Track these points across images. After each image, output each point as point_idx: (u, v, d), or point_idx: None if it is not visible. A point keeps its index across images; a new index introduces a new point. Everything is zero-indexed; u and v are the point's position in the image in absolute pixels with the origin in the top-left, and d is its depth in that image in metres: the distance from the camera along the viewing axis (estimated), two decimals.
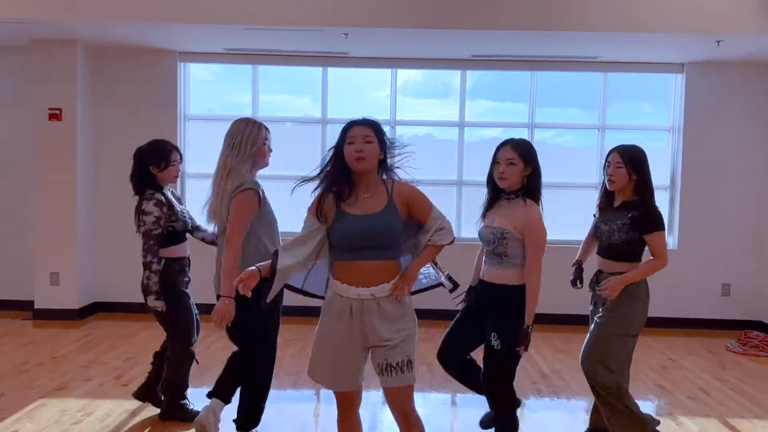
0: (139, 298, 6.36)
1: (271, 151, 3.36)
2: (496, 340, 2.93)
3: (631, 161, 3.16)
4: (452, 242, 2.58)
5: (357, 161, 2.45)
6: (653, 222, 3.12)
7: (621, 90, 6.61)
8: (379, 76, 6.70)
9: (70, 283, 6.20)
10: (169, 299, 3.53)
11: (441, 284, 2.84)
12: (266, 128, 3.35)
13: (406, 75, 6.68)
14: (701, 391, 4.50)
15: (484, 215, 3.10)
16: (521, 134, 6.60)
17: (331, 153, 2.54)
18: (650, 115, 6.74)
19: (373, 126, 2.53)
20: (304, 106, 6.77)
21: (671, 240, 6.58)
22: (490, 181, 3.06)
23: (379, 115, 6.52)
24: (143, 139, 6.40)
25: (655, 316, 6.44)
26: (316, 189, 2.53)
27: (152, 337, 5.59)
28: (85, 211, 6.33)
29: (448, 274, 2.84)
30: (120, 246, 6.49)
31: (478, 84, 6.70)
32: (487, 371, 3.03)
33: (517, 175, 2.92)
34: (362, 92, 6.78)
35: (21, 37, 5.98)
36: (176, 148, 3.71)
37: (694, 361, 5.31)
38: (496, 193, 3.05)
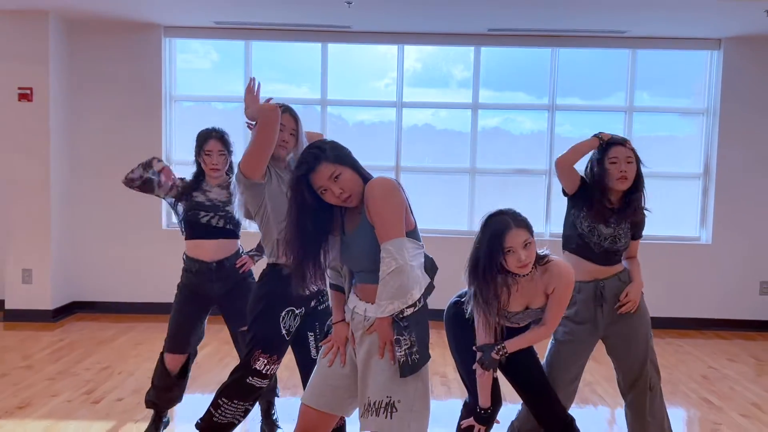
0: (122, 297, 5.97)
1: (289, 144, 2.70)
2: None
3: (637, 157, 2.73)
4: (405, 311, 1.92)
5: (347, 202, 2.01)
6: (643, 227, 2.86)
7: (648, 69, 6.01)
8: (381, 63, 6.10)
9: (44, 281, 5.62)
10: (176, 295, 3.24)
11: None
12: (289, 114, 2.69)
13: (405, 63, 6.07)
14: (755, 407, 3.95)
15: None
16: (540, 118, 6.04)
17: (293, 214, 2.05)
18: (681, 97, 6.13)
19: (329, 158, 2.00)
20: (303, 95, 6.12)
21: (704, 234, 6.02)
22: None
23: (383, 96, 6.13)
24: (123, 121, 5.98)
25: (689, 317, 5.98)
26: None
27: (132, 342, 5.04)
28: (60, 201, 5.73)
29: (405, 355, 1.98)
30: (100, 240, 5.95)
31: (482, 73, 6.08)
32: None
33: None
34: (364, 79, 6.16)
35: None
36: (218, 136, 3.13)
37: (738, 369, 4.76)
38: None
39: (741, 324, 5.88)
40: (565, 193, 2.83)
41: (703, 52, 5.92)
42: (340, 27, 5.72)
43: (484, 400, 2.45)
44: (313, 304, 2.75)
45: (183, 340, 3.20)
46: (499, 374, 2.55)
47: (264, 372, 2.66)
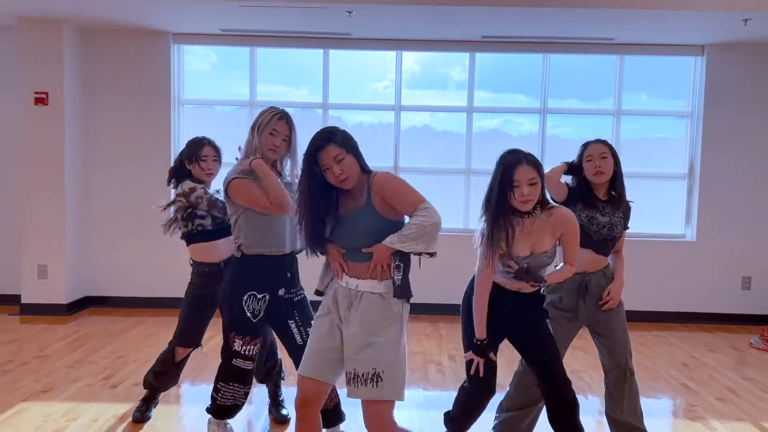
0: (133, 292, 6.24)
1: (280, 149, 2.89)
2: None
3: (613, 152, 3.02)
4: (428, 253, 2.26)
5: (343, 183, 2.33)
6: (629, 218, 3.12)
7: (635, 75, 6.29)
8: (380, 65, 6.38)
9: (59, 276, 5.89)
10: (188, 296, 3.42)
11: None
12: (285, 121, 2.86)
13: (404, 66, 6.34)
14: (730, 392, 4.22)
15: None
16: (533, 121, 6.32)
17: (305, 185, 2.36)
18: (666, 99, 6.41)
19: (337, 141, 2.34)
20: (302, 97, 6.41)
21: (689, 231, 6.30)
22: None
23: (381, 100, 6.40)
24: (134, 123, 6.27)
25: (674, 310, 6.26)
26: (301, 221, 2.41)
27: (144, 333, 5.31)
28: (74, 200, 6.01)
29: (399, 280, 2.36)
30: (112, 238, 6.23)
31: (478, 75, 6.34)
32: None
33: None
34: (363, 80, 6.44)
35: (6, 15, 5.64)
36: (211, 143, 3.38)
37: (717, 358, 5.03)
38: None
39: (724, 317, 6.16)
40: (554, 201, 3.10)
41: (687, 58, 6.20)
42: (341, 34, 5.99)
43: (480, 332, 2.68)
44: (281, 292, 2.95)
45: (196, 335, 3.46)
46: (515, 353, 2.81)
47: (243, 353, 2.93)
